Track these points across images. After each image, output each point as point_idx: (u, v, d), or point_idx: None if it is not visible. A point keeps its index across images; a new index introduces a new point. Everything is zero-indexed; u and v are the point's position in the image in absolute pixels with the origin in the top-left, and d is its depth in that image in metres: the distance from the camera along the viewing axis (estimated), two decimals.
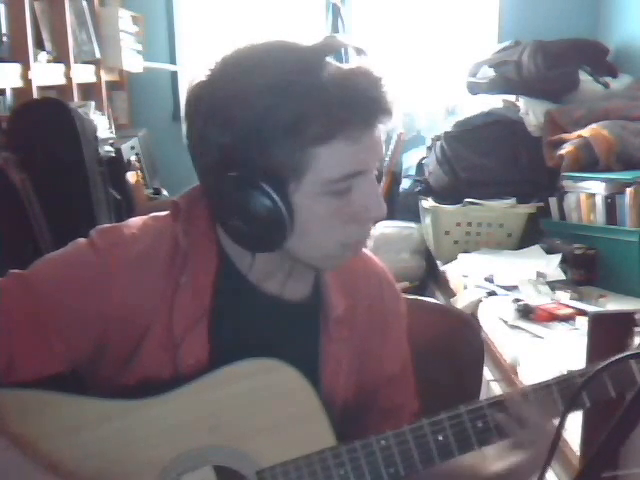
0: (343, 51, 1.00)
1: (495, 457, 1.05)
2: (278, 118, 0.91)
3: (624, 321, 1.14)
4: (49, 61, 2.97)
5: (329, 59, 0.95)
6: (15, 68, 2.58)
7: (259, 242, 0.98)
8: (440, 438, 1.00)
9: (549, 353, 1.87)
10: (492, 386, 2.05)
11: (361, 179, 0.97)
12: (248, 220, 0.95)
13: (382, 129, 0.97)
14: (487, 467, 1.06)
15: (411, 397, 1.18)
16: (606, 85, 3.16)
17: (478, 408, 1.02)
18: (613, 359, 0.92)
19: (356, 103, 0.92)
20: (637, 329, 1.05)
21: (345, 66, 0.95)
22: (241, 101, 0.92)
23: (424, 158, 3.34)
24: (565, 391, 1.02)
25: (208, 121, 0.95)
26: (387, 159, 3.50)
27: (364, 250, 1.23)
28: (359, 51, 0.98)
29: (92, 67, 3.52)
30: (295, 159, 0.93)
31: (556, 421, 1.01)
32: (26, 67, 2.64)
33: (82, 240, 1.05)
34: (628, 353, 0.93)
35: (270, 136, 0.92)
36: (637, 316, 1.06)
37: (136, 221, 1.07)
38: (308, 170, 0.94)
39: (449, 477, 1.07)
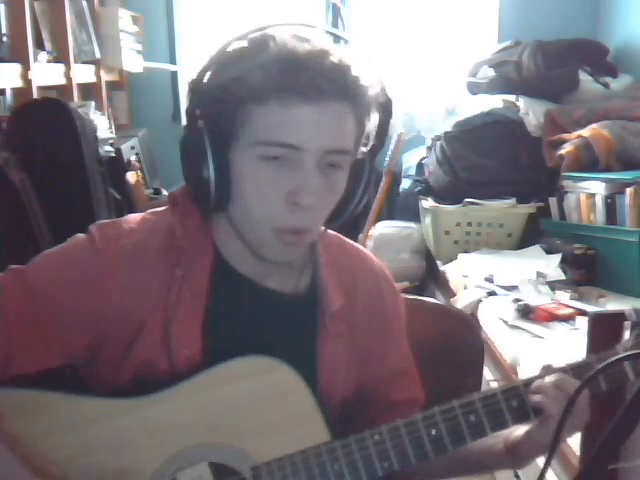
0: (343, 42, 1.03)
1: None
2: (223, 72, 0.98)
3: (622, 319, 1.14)
4: (49, 61, 2.97)
5: (294, 36, 0.98)
6: (15, 68, 2.58)
7: (202, 195, 1.00)
8: (433, 432, 1.01)
9: (549, 353, 1.87)
10: (492, 386, 2.05)
11: (296, 158, 0.97)
12: (193, 171, 1.00)
13: (336, 114, 0.97)
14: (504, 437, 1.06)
15: (414, 396, 1.18)
16: (606, 85, 3.16)
17: (470, 402, 1.02)
18: (613, 359, 0.92)
19: (298, 72, 0.94)
20: (627, 323, 1.06)
21: (307, 44, 0.96)
22: (206, 62, 1.01)
23: (424, 158, 3.34)
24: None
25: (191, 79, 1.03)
26: (387, 159, 3.50)
27: (362, 248, 1.24)
28: (338, 40, 1.00)
29: (92, 67, 3.52)
30: (232, 113, 0.97)
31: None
32: (26, 67, 2.64)
33: (81, 235, 1.05)
34: (628, 353, 0.93)
35: (213, 88, 0.98)
36: (627, 311, 1.07)
37: (135, 216, 1.09)
38: (243, 127, 0.97)
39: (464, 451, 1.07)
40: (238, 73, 0.96)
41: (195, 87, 1.00)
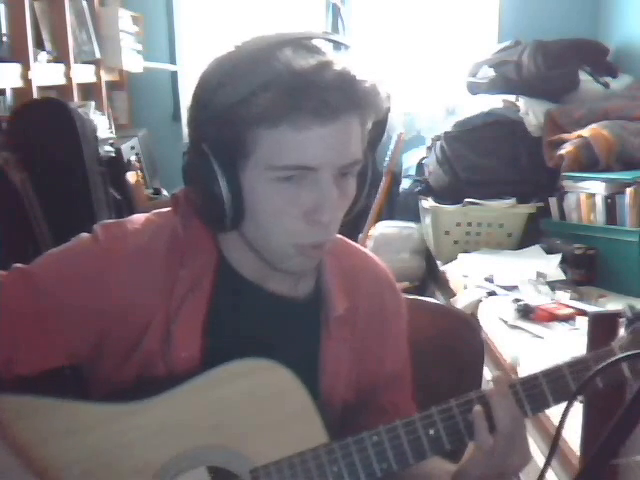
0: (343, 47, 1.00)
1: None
2: (228, 94, 0.93)
3: (619, 316, 1.14)
4: (49, 61, 2.97)
5: (296, 49, 0.94)
6: (15, 68, 2.58)
7: (213, 218, 0.99)
8: (431, 432, 1.01)
9: (549, 353, 1.87)
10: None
11: (311, 176, 0.96)
12: (202, 195, 0.98)
13: (348, 128, 0.95)
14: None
15: (408, 398, 1.18)
16: (606, 85, 3.16)
17: (468, 401, 1.02)
18: (613, 359, 0.92)
19: (306, 91, 0.91)
20: (622, 320, 1.06)
21: (310, 58, 0.93)
22: (204, 82, 0.97)
23: (424, 158, 3.34)
24: (556, 384, 1.02)
25: (191, 108, 1.00)
26: (387, 159, 3.50)
27: (365, 250, 1.23)
28: (338, 46, 0.98)
29: (92, 67, 3.52)
30: (241, 137, 0.94)
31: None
32: (26, 67, 2.64)
33: (85, 235, 1.05)
34: (628, 354, 0.93)
35: (219, 111, 0.94)
36: (622, 308, 1.07)
37: (139, 217, 1.08)
38: (254, 150, 0.95)
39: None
40: (243, 96, 0.92)
41: (197, 109, 0.97)
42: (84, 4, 3.45)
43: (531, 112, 3.01)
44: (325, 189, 0.95)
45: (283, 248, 1.00)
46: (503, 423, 0.98)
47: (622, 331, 1.05)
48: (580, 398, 1.04)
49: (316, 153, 0.94)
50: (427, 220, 3.16)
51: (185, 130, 1.03)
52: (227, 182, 0.95)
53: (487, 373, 2.13)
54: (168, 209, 1.09)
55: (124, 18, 3.69)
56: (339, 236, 1.16)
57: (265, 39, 0.96)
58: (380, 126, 1.03)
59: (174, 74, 4.15)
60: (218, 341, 1.04)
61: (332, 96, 0.92)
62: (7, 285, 1.01)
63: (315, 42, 0.97)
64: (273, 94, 0.91)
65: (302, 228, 0.98)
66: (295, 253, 1.00)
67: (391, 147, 3.50)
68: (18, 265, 1.03)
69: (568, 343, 1.92)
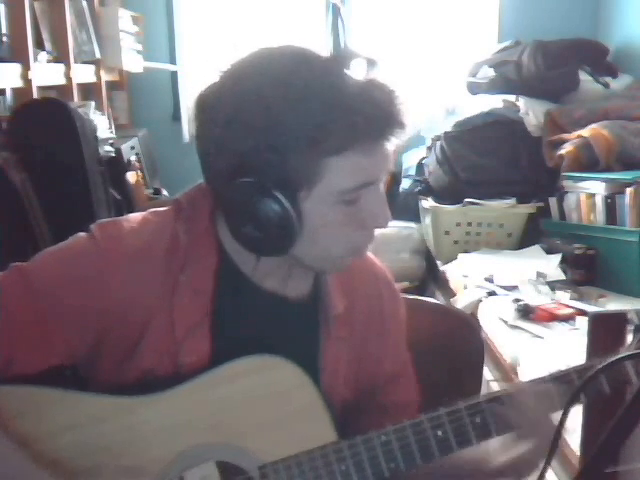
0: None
1: (498, 451, 1.06)
2: (301, 128, 0.90)
3: (624, 321, 1.15)
4: (49, 61, 2.96)
5: (347, 71, 0.94)
6: (15, 68, 2.58)
7: (267, 247, 0.99)
8: (439, 433, 1.01)
9: (549, 353, 1.87)
10: (492, 386, 2.05)
11: (371, 189, 0.98)
12: (258, 225, 0.96)
13: (394, 142, 0.98)
14: (489, 461, 1.06)
15: (411, 398, 1.18)
16: (606, 85, 3.16)
17: (476, 404, 1.03)
18: (613, 359, 0.92)
19: (373, 116, 0.92)
20: (630, 327, 1.06)
21: (362, 79, 0.94)
22: (264, 109, 0.91)
23: (424, 158, 3.34)
24: (562, 387, 1.02)
25: (226, 126, 0.94)
26: None
27: None
28: (372, 63, 0.97)
29: (92, 67, 3.51)
30: (310, 168, 0.93)
31: (555, 416, 1.02)
32: (26, 67, 2.63)
33: (82, 234, 1.05)
34: (628, 353, 0.93)
35: (291, 145, 0.91)
36: (629, 315, 1.07)
37: (136, 216, 1.08)
38: (321, 179, 0.94)
39: (451, 472, 1.07)
40: (315, 129, 0.90)
41: (243, 132, 0.92)
42: (84, 4, 3.44)
43: (531, 112, 3.00)
44: (382, 197, 1.00)
45: (342, 256, 1.02)
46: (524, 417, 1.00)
47: (630, 338, 1.05)
48: (581, 399, 1.04)
49: (381, 170, 0.98)
50: (427, 220, 3.16)
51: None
52: (290, 211, 0.94)
53: (487, 373, 2.13)
54: (165, 209, 1.08)
55: (124, 18, 3.69)
56: None
57: (314, 61, 0.94)
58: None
59: (174, 74, 4.15)
60: (222, 341, 1.04)
61: (390, 117, 0.94)
62: (5, 285, 1.01)
63: (355, 59, 0.96)
64: (348, 124, 0.91)
65: (362, 235, 1.01)
66: (346, 255, 1.03)
67: None
68: (16, 264, 1.03)
69: (568, 343, 1.92)
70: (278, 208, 0.93)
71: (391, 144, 0.97)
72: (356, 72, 0.94)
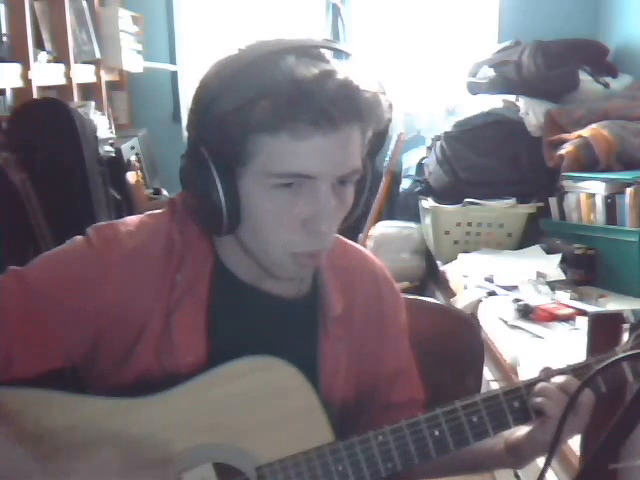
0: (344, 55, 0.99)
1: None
2: (229, 100, 0.93)
3: (621, 320, 1.15)
4: (49, 61, 2.96)
5: (298, 57, 0.93)
6: (15, 68, 2.58)
7: (213, 223, 0.99)
8: (436, 433, 1.01)
9: (549, 353, 1.87)
10: (492, 386, 2.05)
11: (309, 185, 0.95)
12: (200, 199, 0.98)
13: (348, 138, 0.95)
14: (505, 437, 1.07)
15: (413, 397, 1.18)
16: (606, 85, 3.16)
17: (472, 403, 1.03)
18: (613, 359, 0.92)
19: (308, 101, 0.91)
20: (625, 326, 1.06)
21: (312, 67, 0.93)
22: (205, 86, 0.97)
23: (424, 158, 3.34)
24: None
25: (190, 113, 1.00)
26: (387, 159, 3.50)
27: (363, 249, 1.23)
28: (340, 54, 0.97)
29: (92, 67, 3.51)
30: (241, 143, 0.94)
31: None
32: (26, 67, 2.63)
33: (79, 237, 1.05)
34: (627, 354, 0.93)
35: (219, 116, 0.94)
36: (625, 314, 1.07)
37: (133, 218, 1.08)
38: (253, 157, 0.95)
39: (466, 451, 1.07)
40: (244, 102, 0.92)
41: (197, 113, 0.97)
42: (84, 4, 3.44)
43: (531, 112, 3.01)
44: (323, 199, 0.95)
45: (279, 255, 1.00)
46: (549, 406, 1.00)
47: (626, 336, 1.05)
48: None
49: (315, 163, 0.94)
50: (427, 220, 3.16)
51: (185, 132, 1.03)
52: (225, 187, 0.96)
53: (487, 373, 2.13)
54: (161, 211, 1.09)
55: (124, 18, 3.69)
56: (337, 235, 1.16)
57: (268, 45, 0.96)
58: (381, 136, 1.04)
59: (174, 74, 4.15)
60: (218, 343, 1.04)
61: (334, 107, 0.91)
62: (3, 288, 1.01)
63: (318, 50, 0.96)
64: (274, 102, 0.91)
65: (298, 237, 0.98)
66: (291, 261, 1.00)
67: (391, 147, 3.50)
68: (13, 268, 1.03)
69: (568, 343, 1.92)
70: (213, 181, 0.96)
71: (340, 139, 0.94)
72: (318, 61, 0.94)
